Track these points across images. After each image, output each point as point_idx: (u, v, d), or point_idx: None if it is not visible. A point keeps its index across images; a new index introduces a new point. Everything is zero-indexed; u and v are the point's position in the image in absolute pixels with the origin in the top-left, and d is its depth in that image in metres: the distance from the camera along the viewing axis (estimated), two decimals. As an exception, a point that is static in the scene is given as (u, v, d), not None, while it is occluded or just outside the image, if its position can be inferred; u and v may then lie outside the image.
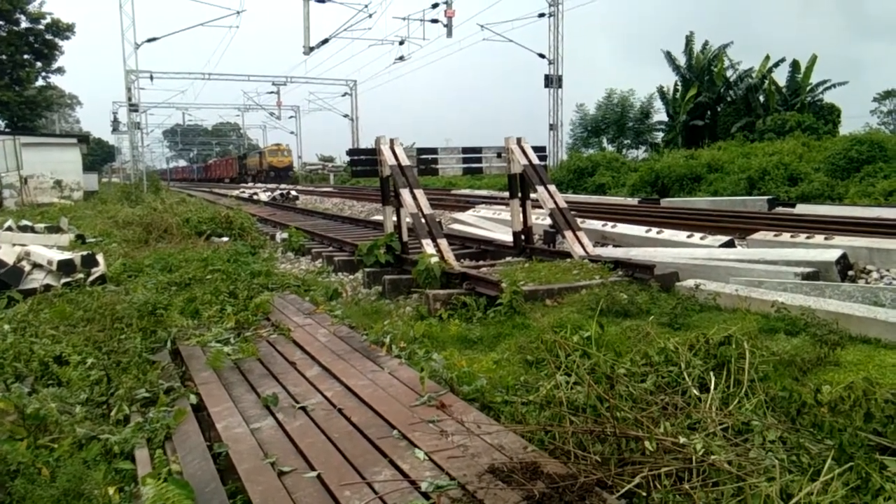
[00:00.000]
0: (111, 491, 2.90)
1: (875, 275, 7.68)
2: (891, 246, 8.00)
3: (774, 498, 2.46)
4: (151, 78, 40.05)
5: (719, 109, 36.12)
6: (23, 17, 41.06)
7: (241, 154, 71.93)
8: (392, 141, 9.03)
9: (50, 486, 2.88)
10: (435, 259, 7.39)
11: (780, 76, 34.08)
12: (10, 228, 12.14)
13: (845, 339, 4.85)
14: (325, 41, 32.91)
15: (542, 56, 31.77)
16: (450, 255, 7.86)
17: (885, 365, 4.39)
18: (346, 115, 53.73)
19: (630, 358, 4.06)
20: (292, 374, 4.46)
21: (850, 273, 7.66)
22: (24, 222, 13.34)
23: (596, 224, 11.58)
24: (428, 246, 7.90)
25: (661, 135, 41.50)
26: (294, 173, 59.23)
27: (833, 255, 7.52)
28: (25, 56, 41.97)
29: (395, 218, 9.13)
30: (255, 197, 30.18)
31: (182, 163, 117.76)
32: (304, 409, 3.75)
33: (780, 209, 15.11)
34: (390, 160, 8.79)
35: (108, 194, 29.13)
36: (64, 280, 7.49)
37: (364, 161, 9.33)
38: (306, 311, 6.31)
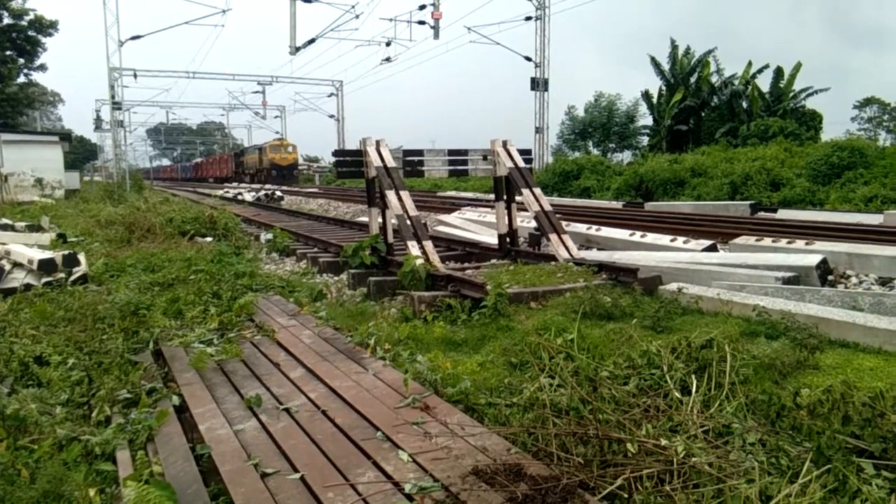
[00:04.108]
0: (92, 492, 2.88)
1: (854, 280, 7.79)
2: (870, 251, 8.13)
3: (754, 500, 2.49)
4: (135, 76, 39.70)
5: (703, 115, 36.45)
6: (5, 13, 40.59)
7: (238, 151, 65.53)
8: (378, 142, 9.03)
9: (30, 488, 2.85)
10: (420, 261, 7.40)
11: (764, 82, 34.55)
12: (-11, 227, 11.99)
13: (824, 343, 4.90)
14: (312, 41, 32.86)
15: (528, 59, 31.88)
16: (435, 257, 7.86)
17: (863, 369, 4.46)
18: (332, 116, 53.58)
19: (613, 361, 4.10)
20: (276, 375, 4.44)
21: (830, 278, 7.77)
22: (5, 221, 13.19)
23: (581, 227, 11.65)
24: (413, 248, 7.89)
25: (645, 139, 41.83)
26: (298, 173, 53.83)
27: (813, 259, 7.63)
28: (7, 52, 41.48)
29: (380, 219, 9.12)
30: (239, 197, 30.00)
31: (166, 162, 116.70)
32: (287, 410, 3.74)
33: (762, 214, 15.29)
34: (376, 161, 8.78)
35: (91, 193, 28.79)
36: (45, 279, 7.41)
37: (350, 162, 9.31)
38: (290, 313, 6.29)
